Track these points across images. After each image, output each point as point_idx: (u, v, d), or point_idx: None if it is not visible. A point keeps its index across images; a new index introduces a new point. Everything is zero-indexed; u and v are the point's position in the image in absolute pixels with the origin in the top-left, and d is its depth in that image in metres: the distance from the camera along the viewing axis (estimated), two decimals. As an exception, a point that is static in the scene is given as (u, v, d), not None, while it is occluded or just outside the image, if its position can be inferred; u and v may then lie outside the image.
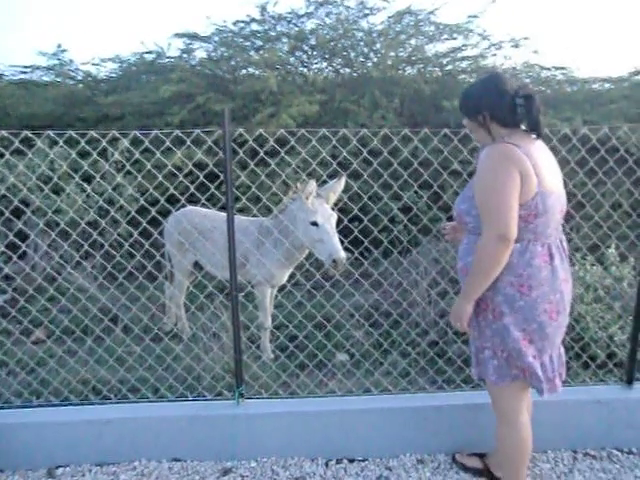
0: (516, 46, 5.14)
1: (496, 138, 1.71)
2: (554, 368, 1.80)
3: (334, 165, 2.56)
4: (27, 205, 2.60)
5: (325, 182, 2.91)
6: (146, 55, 5.35)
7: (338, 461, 2.30)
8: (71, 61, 5.70)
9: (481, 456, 2.22)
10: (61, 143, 2.41)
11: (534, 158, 1.62)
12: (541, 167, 1.63)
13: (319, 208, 2.69)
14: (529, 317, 1.69)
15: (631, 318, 2.45)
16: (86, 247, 2.48)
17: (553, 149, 2.40)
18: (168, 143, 2.32)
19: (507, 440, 1.89)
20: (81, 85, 5.54)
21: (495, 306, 1.71)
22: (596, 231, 2.79)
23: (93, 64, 5.63)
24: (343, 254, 2.62)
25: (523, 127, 1.71)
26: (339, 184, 2.80)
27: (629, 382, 2.44)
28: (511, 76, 1.78)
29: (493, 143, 1.69)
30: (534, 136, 1.70)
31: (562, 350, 1.87)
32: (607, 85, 5.30)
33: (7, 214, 2.50)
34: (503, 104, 1.66)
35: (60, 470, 2.25)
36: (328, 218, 2.70)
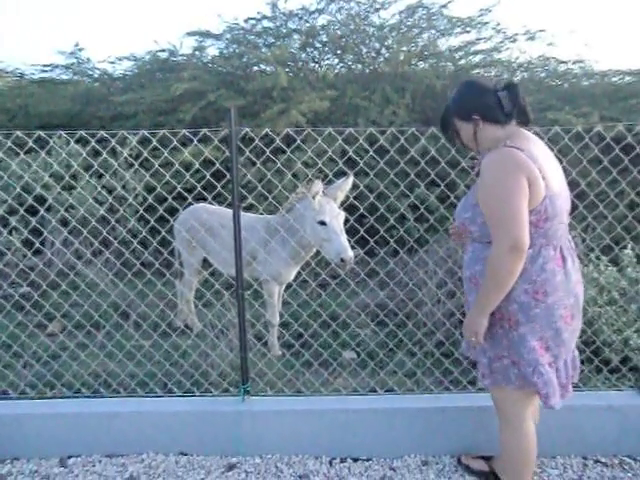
0: (532, 39, 5.05)
1: (488, 143, 1.66)
2: (567, 373, 1.77)
3: (340, 164, 2.56)
4: (44, 202, 2.66)
5: (333, 180, 2.91)
6: (160, 53, 5.40)
7: (342, 460, 2.31)
8: (88, 59, 5.81)
9: (487, 459, 2.20)
10: (72, 142, 2.46)
11: (539, 161, 1.57)
12: (547, 169, 1.59)
13: (326, 207, 2.69)
14: (545, 324, 1.64)
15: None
16: (96, 244, 2.53)
17: (566, 147, 2.37)
18: (175, 142, 2.35)
19: (511, 446, 1.86)
20: (97, 83, 5.63)
21: (510, 315, 1.66)
22: (611, 231, 2.72)
23: (109, 62, 5.73)
24: (351, 253, 2.62)
25: (514, 122, 1.65)
26: (347, 183, 2.80)
27: (643, 388, 2.38)
28: (482, 76, 1.75)
29: (493, 150, 1.62)
30: (527, 124, 1.66)
31: (576, 353, 1.84)
32: (628, 78, 5.15)
33: (22, 211, 2.56)
34: (489, 101, 1.63)
35: (72, 460, 2.31)
36: (336, 217, 2.70)
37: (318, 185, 2.63)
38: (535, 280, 1.61)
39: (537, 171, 1.55)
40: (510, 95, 1.61)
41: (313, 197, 2.65)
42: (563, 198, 1.64)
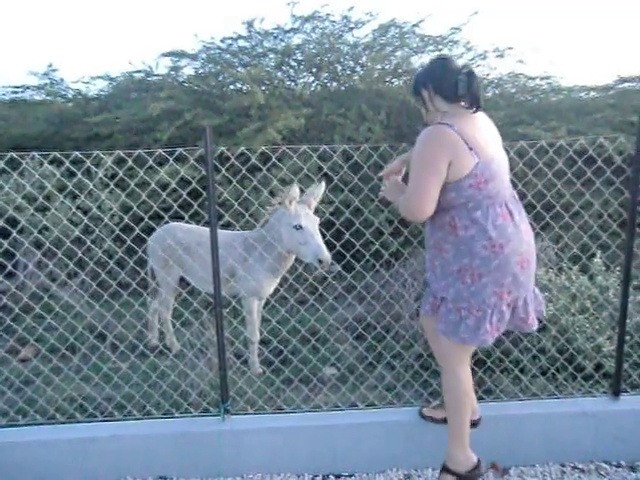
0: (501, 56, 5.19)
1: (436, 115, 1.87)
2: (527, 309, 1.94)
3: (315, 180, 2.59)
4: (16, 224, 2.62)
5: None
6: (135, 74, 5.39)
7: (324, 477, 2.30)
8: (62, 80, 5.73)
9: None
10: (46, 164, 2.44)
11: (467, 134, 1.77)
12: (477, 140, 1.79)
13: (302, 212, 2.75)
14: (505, 272, 1.83)
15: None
16: (71, 265, 2.49)
17: (533, 160, 2.45)
18: (151, 162, 2.35)
19: (450, 388, 2.02)
20: (71, 104, 5.57)
21: (474, 270, 1.84)
22: (580, 240, 2.80)
23: (83, 82, 5.66)
24: (328, 254, 2.67)
25: (463, 103, 1.83)
26: (319, 189, 2.85)
27: (616, 393, 2.42)
28: (456, 59, 1.97)
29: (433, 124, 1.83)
30: (473, 110, 1.83)
31: (537, 291, 2.03)
32: (593, 93, 5.35)
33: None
34: (446, 78, 1.83)
35: (46, 490, 2.24)
36: (312, 221, 2.75)
37: (295, 190, 2.68)
38: (491, 236, 1.80)
39: (463, 144, 1.76)
40: (467, 80, 1.81)
41: (290, 202, 2.70)
42: (498, 162, 1.84)
